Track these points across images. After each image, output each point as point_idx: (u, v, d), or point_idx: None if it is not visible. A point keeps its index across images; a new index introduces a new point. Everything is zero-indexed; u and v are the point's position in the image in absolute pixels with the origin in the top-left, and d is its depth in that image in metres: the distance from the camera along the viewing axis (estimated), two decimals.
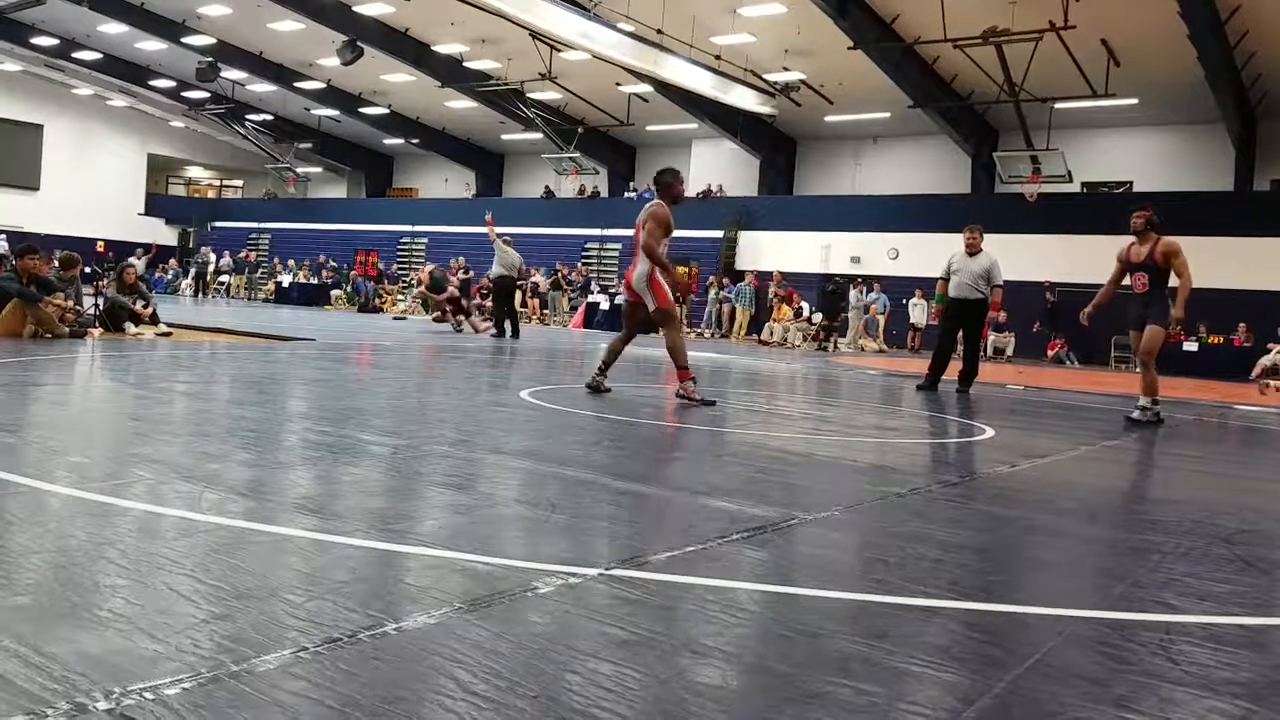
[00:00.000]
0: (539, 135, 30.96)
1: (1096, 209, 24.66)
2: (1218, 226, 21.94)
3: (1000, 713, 1.86)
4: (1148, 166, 25.66)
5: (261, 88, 33.86)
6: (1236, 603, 2.77)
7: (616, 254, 31.06)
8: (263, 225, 39.50)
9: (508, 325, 16.46)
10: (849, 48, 22.08)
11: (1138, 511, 4.17)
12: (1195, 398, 12.76)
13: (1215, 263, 21.65)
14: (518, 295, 19.45)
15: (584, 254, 31.30)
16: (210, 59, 29.41)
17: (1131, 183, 25.95)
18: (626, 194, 32.83)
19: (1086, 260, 23.25)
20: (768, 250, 27.45)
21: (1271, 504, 4.84)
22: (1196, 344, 20.98)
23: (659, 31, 22.24)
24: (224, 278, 32.81)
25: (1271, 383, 14.57)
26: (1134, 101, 22.76)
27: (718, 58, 24.23)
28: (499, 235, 16.24)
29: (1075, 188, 24.67)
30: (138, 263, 28.17)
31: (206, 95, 34.65)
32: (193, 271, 32.51)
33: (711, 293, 26.64)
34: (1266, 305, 20.61)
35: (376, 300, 28.15)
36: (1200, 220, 22.30)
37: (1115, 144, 26.08)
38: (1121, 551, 3.42)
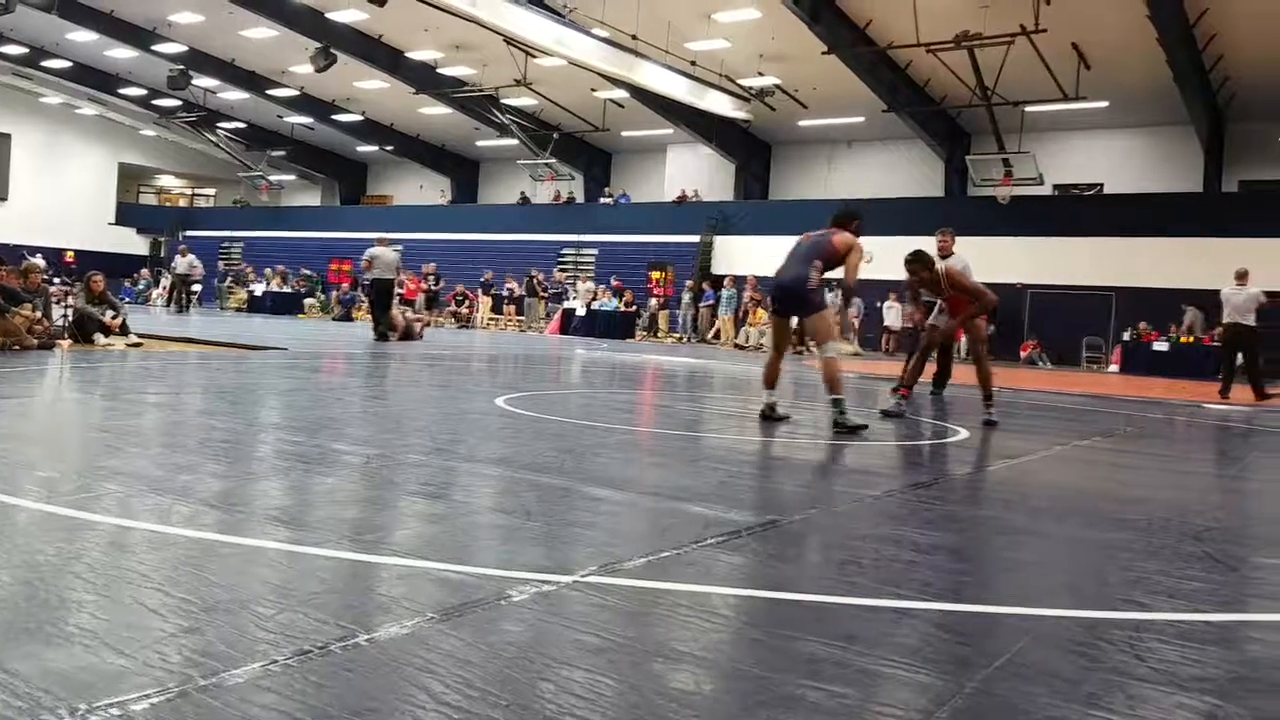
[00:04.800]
0: (514, 141, 30.92)
1: (1068, 211, 24.91)
2: (1187, 228, 22.20)
3: (971, 713, 1.87)
4: (1118, 168, 25.93)
5: (233, 95, 33.62)
6: (1205, 600, 2.81)
7: (593, 260, 31.06)
8: (235, 234, 39.21)
9: (424, 327, 16.57)
10: (823, 52, 22.20)
11: (1108, 510, 4.21)
12: (1167, 397, 12.90)
13: (1185, 264, 21.94)
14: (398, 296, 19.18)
15: (560, 260, 31.28)
16: (181, 67, 29.17)
17: (1102, 184, 26.22)
18: (602, 199, 32.84)
19: (1058, 261, 23.52)
20: (745, 255, 27.52)
21: (1239, 501, 4.90)
22: (1167, 344, 21.19)
23: (633, 37, 22.27)
24: (196, 287, 32.45)
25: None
26: (1104, 104, 23.00)
27: (693, 63, 24.29)
28: (377, 237, 16.58)
29: (1047, 190, 24.88)
30: (185, 260, 26.22)
31: (178, 103, 34.35)
32: (167, 280, 32.14)
33: (686, 298, 26.65)
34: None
35: (355, 309, 27.96)
36: (1170, 222, 22.59)
37: (1086, 146, 26.34)
38: (1092, 550, 3.45)
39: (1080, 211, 24.83)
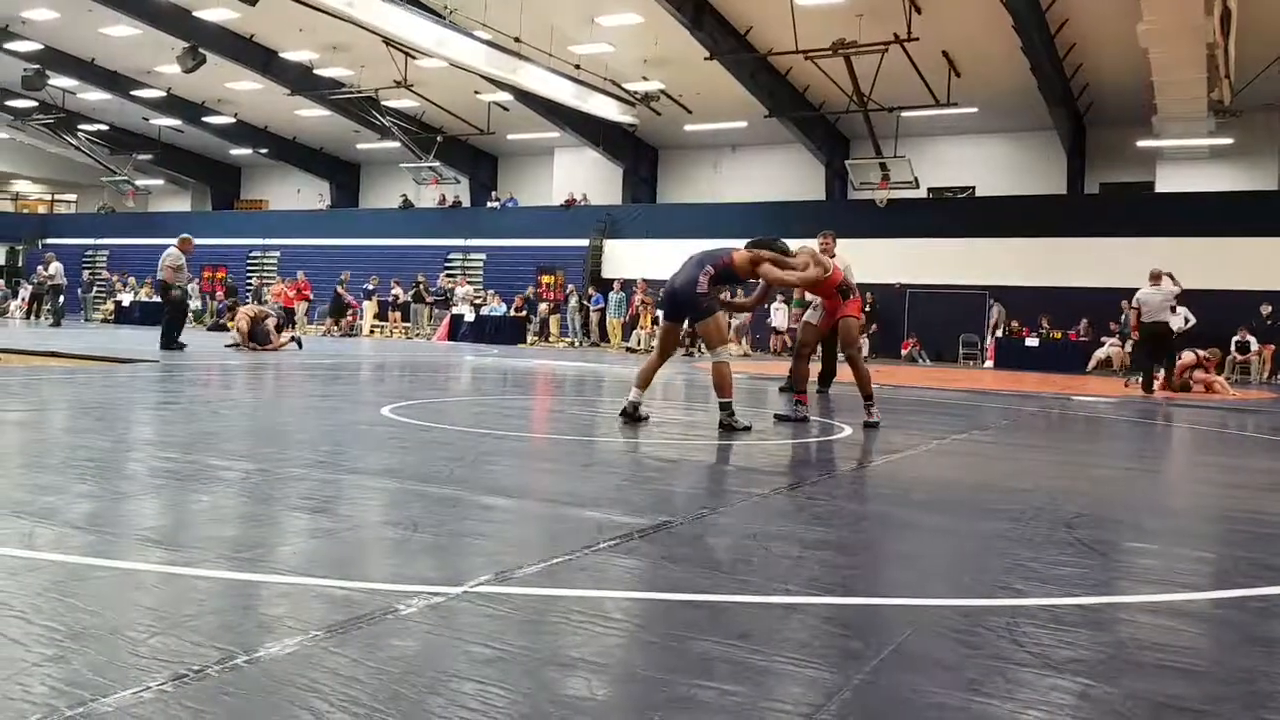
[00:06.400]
0: (396, 144, 30.36)
1: (942, 213, 25.85)
2: (1053, 228, 23.32)
3: (859, 704, 1.91)
4: (987, 172, 27.05)
5: (95, 96, 32.06)
6: (1076, 584, 2.93)
7: (481, 264, 30.73)
8: (100, 241, 37.44)
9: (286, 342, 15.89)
10: (705, 58, 22.49)
11: (985, 501, 4.38)
12: (1039, 391, 13.49)
13: (1052, 263, 23.04)
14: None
15: (447, 265, 30.86)
16: (37, 66, 27.67)
17: (974, 187, 27.29)
18: (489, 203, 32.54)
19: (934, 262, 24.38)
20: (633, 258, 27.65)
21: (1106, 489, 5.15)
22: (1038, 339, 22.20)
23: (516, 40, 22.14)
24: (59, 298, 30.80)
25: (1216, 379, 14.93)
26: (974, 110, 23.95)
27: (577, 67, 24.29)
28: (179, 238, 15.86)
29: (922, 193, 25.77)
30: (56, 266, 25.08)
31: (34, 104, 32.61)
32: (27, 292, 30.41)
33: (572, 301, 26.62)
34: (1100, 302, 21.92)
35: (227, 318, 26.97)
36: (1037, 222, 23.70)
37: (957, 151, 27.38)
38: (970, 540, 3.58)
39: (954, 213, 25.81)
